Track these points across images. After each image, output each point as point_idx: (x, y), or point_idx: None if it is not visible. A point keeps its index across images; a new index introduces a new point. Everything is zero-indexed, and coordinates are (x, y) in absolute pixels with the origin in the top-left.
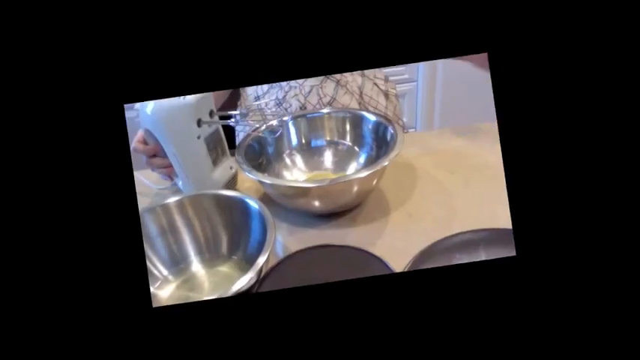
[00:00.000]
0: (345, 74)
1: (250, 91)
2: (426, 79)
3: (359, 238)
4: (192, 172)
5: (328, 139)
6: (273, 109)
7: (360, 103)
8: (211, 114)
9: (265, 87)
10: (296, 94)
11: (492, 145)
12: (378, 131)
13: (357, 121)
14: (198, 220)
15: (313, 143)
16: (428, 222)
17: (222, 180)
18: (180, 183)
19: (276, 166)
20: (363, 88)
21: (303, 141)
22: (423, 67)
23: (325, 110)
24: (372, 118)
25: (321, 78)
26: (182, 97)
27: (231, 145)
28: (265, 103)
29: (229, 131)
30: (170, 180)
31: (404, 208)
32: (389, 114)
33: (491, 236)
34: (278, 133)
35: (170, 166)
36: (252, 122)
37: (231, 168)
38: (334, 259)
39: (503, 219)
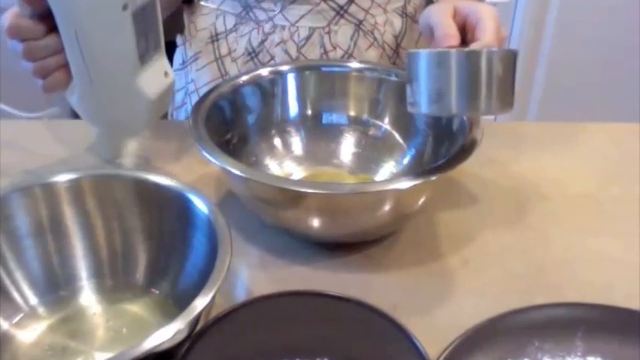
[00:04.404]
0: (372, 12)
1: (204, 24)
2: (527, 25)
3: (377, 290)
4: (103, 70)
5: (353, 114)
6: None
7: (395, 64)
8: None
9: (230, 19)
10: (283, 40)
11: (635, 164)
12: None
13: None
14: (102, 219)
15: (326, 118)
16: (495, 279)
17: (151, 90)
18: (74, 96)
19: (255, 147)
20: (402, 37)
21: (309, 112)
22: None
23: (354, 64)
24: None
25: (329, 16)
26: None
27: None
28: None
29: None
30: (57, 91)
31: (459, 251)
32: None
33: (598, 317)
34: None
35: (64, 64)
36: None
37: (165, 74)
38: (327, 319)
39: (624, 293)
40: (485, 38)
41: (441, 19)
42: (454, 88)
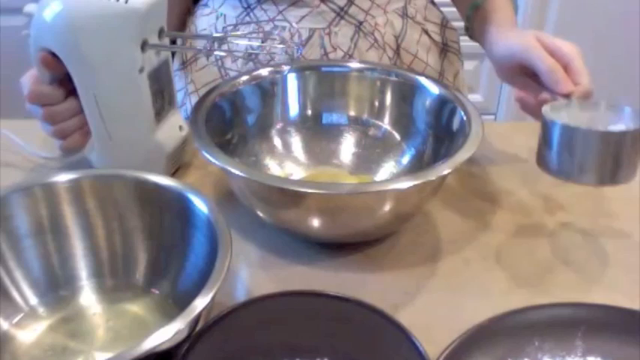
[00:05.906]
0: (372, 12)
1: (204, 25)
2: (527, 25)
3: (377, 291)
4: (122, 128)
5: (353, 114)
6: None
7: (395, 64)
8: (161, 34)
9: (231, 20)
10: (284, 41)
11: None
12: (441, 113)
13: (407, 91)
14: (102, 219)
15: (326, 118)
16: (495, 279)
17: (167, 146)
18: (94, 153)
19: (255, 147)
20: (402, 38)
21: (309, 112)
22: None
23: (354, 64)
24: (434, 88)
25: (330, 17)
26: None
27: None
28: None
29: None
30: (76, 151)
31: (459, 251)
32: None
33: (598, 317)
34: (299, 52)
35: (82, 126)
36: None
37: (180, 128)
38: (327, 319)
39: (624, 293)
40: (584, 82)
41: (540, 55)
42: (589, 163)
